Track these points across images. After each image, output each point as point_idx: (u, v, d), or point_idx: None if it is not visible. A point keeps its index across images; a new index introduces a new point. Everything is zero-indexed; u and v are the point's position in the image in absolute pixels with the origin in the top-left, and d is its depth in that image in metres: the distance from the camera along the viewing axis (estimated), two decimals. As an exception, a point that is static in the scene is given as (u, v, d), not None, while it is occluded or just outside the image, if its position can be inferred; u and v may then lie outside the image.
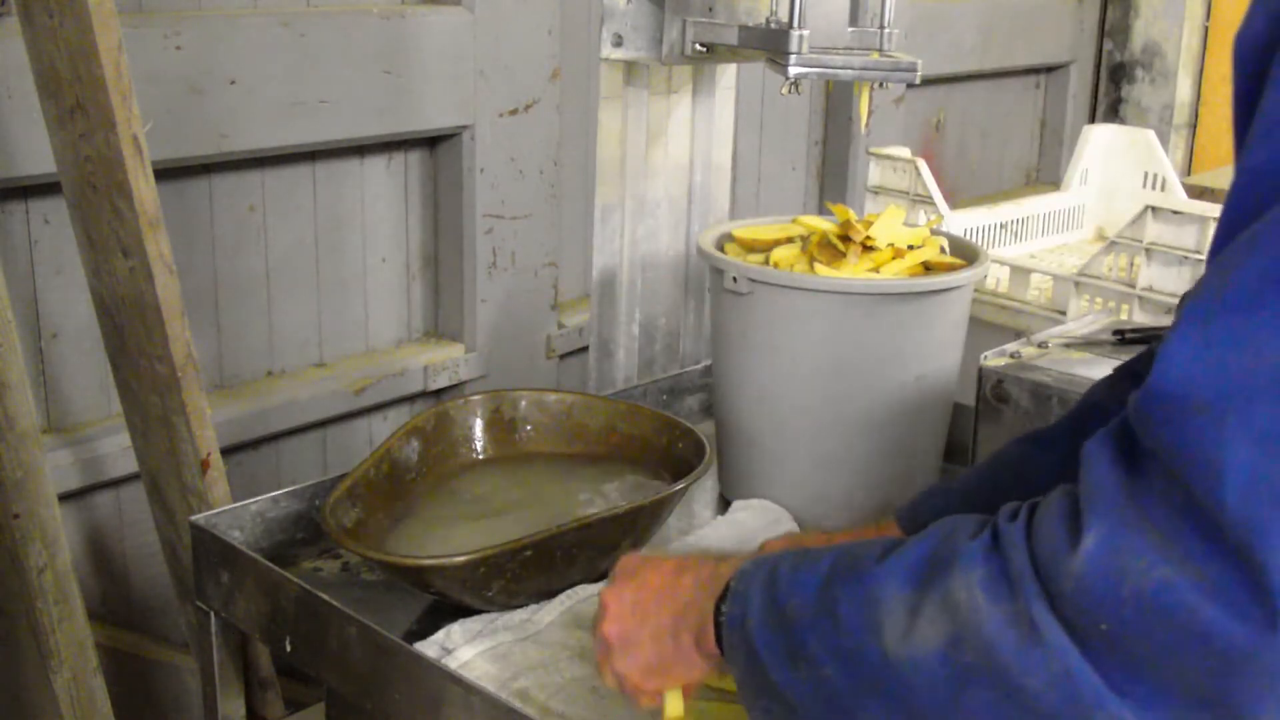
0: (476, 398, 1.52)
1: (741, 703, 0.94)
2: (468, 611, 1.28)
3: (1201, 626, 0.71)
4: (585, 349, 2.22)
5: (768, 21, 1.52)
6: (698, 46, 1.65)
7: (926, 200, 2.63)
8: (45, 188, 1.93)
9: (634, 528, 1.31)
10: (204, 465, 1.69)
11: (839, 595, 0.86)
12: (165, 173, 1.99)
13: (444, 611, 1.29)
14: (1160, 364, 0.75)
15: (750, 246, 1.57)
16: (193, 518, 1.39)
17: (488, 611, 1.28)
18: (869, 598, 0.85)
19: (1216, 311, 0.75)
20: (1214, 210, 2.30)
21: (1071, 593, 0.75)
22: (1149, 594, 0.72)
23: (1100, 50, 4.29)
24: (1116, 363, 1.38)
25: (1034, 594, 0.77)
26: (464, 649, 1.21)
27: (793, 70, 1.46)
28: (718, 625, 0.95)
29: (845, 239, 1.49)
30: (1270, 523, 0.69)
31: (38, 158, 1.79)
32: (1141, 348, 1.41)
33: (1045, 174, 4.26)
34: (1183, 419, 0.73)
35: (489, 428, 1.52)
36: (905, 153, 2.72)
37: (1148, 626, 0.73)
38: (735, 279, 1.47)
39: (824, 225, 1.56)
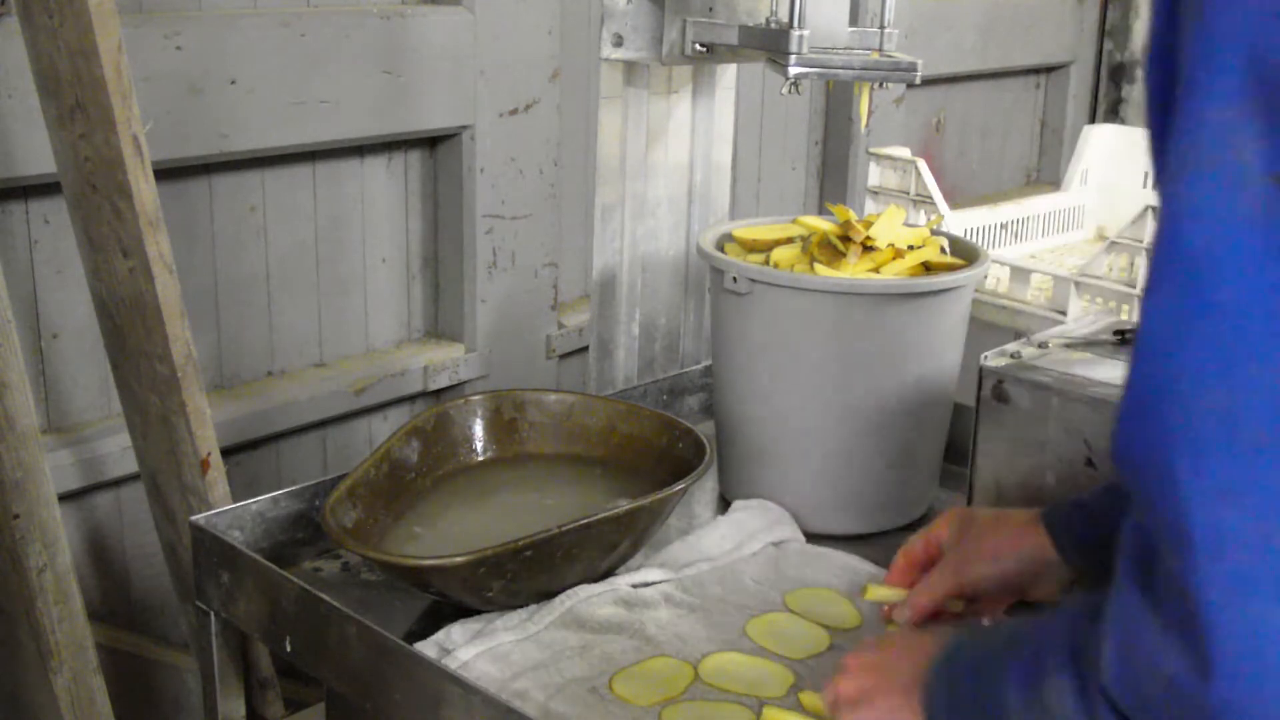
0: (477, 398, 1.52)
1: None
2: (468, 611, 1.28)
3: (1211, 709, 0.69)
4: (585, 349, 2.22)
5: (768, 21, 1.52)
6: (698, 46, 1.65)
7: (926, 200, 2.63)
8: (45, 188, 1.93)
9: (634, 528, 1.31)
10: (204, 465, 1.69)
11: (983, 695, 0.88)
12: (165, 173, 1.99)
13: (444, 611, 1.29)
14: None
15: (750, 246, 1.57)
16: (193, 518, 1.39)
17: (487, 611, 1.28)
18: (999, 702, 0.86)
19: (1139, 354, 0.72)
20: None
21: (1117, 704, 0.75)
22: (1159, 697, 0.71)
23: (1100, 50, 4.29)
24: (1117, 363, 1.38)
25: (1102, 706, 0.76)
26: (464, 649, 1.21)
27: (793, 70, 1.46)
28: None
29: (845, 239, 1.49)
30: (1242, 583, 0.66)
31: (38, 158, 1.79)
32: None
33: (1045, 174, 4.26)
34: (1136, 475, 0.71)
35: (489, 428, 1.52)
36: (905, 153, 2.72)
37: None
38: (735, 279, 1.47)
39: (824, 225, 1.56)
